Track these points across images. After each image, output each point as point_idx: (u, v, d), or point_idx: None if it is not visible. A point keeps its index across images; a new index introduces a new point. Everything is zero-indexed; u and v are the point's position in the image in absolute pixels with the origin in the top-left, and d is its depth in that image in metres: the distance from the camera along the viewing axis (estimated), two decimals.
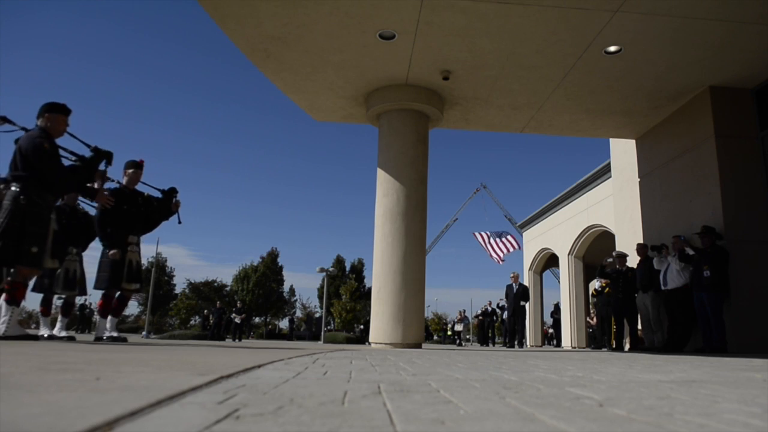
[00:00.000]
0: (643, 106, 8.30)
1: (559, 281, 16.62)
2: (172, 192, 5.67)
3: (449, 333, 25.31)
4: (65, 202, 5.88)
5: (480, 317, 18.15)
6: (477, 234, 23.48)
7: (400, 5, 6.01)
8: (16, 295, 4.15)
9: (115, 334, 5.19)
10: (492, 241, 22.62)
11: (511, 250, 22.04)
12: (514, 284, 12.31)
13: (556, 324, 19.94)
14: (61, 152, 4.31)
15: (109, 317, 5.25)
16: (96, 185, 4.60)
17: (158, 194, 5.61)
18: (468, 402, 1.03)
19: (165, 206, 5.59)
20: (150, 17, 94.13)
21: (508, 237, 22.65)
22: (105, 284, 5.16)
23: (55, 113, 4.29)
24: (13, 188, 4.06)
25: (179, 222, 5.80)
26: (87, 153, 4.48)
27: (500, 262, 22.18)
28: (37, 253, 4.07)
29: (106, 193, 4.74)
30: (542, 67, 7.24)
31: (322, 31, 6.60)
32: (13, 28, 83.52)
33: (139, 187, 5.49)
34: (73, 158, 4.44)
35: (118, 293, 5.31)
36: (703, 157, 7.56)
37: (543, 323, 19.32)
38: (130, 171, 5.39)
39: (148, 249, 52.89)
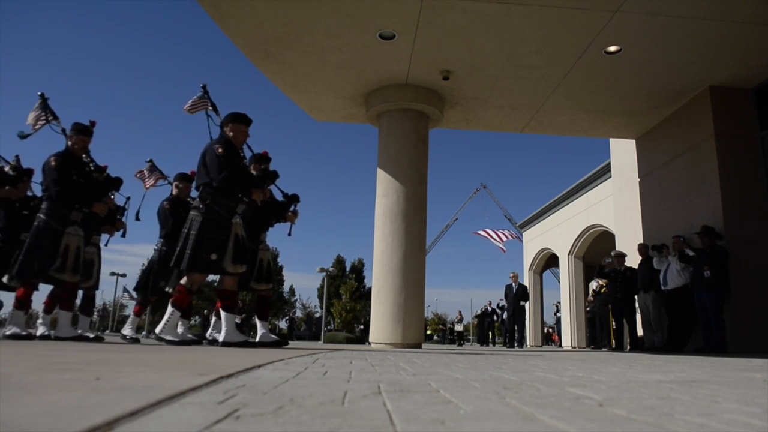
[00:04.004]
0: (643, 106, 8.30)
1: (559, 281, 16.62)
2: (294, 199, 5.33)
3: (455, 336, 25.44)
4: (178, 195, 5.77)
5: (483, 316, 18.12)
6: (479, 232, 24.22)
7: (400, 5, 6.00)
8: (178, 300, 4.18)
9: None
10: (493, 233, 23.73)
11: (511, 238, 23.32)
12: (513, 284, 12.31)
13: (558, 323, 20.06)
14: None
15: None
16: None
17: (279, 197, 5.32)
18: (468, 402, 1.03)
19: (281, 211, 5.30)
20: (150, 17, 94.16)
21: (506, 231, 23.89)
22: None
23: (237, 123, 4.37)
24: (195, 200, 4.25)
25: (289, 234, 5.41)
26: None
27: (504, 251, 23.55)
28: (217, 260, 4.06)
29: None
30: (542, 67, 7.24)
31: (322, 31, 6.60)
32: (13, 28, 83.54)
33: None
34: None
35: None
36: (703, 157, 7.56)
37: (543, 323, 19.33)
38: (254, 165, 5.04)
39: (148, 249, 52.89)
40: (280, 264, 41.95)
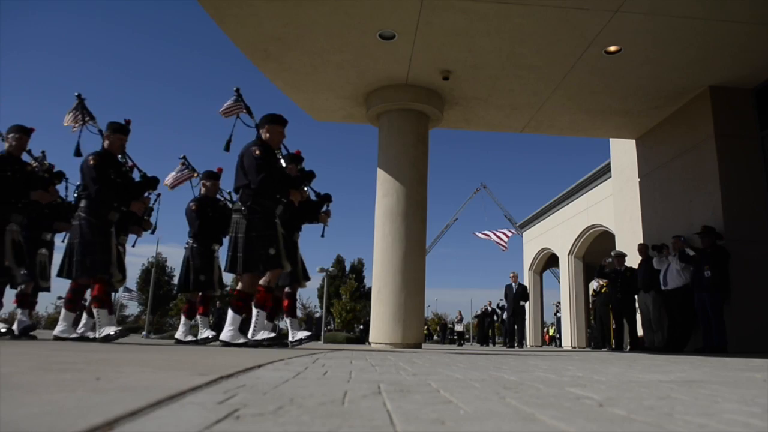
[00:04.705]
0: (643, 106, 8.30)
1: (559, 281, 16.61)
2: (326, 199, 5.34)
3: (455, 337, 25.53)
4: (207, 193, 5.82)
5: (483, 316, 18.12)
6: (478, 233, 24.48)
7: (400, 5, 6.00)
8: (260, 300, 4.18)
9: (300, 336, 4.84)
10: (493, 234, 24.23)
11: (510, 235, 23.80)
12: (513, 284, 12.32)
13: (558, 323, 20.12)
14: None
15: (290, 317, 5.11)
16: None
17: (312, 196, 5.32)
18: (468, 402, 1.03)
19: (313, 212, 5.28)
20: (150, 17, 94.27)
21: (504, 230, 24.39)
22: (288, 280, 4.98)
23: (273, 124, 4.41)
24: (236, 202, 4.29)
25: (322, 235, 5.39)
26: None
27: (505, 249, 24.10)
28: (276, 255, 4.11)
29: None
30: (542, 67, 7.24)
31: (322, 31, 6.60)
32: (13, 28, 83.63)
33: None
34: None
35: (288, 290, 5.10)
36: (703, 157, 7.56)
37: (543, 323, 19.33)
38: (290, 166, 5.05)
39: (148, 249, 52.85)
40: None
